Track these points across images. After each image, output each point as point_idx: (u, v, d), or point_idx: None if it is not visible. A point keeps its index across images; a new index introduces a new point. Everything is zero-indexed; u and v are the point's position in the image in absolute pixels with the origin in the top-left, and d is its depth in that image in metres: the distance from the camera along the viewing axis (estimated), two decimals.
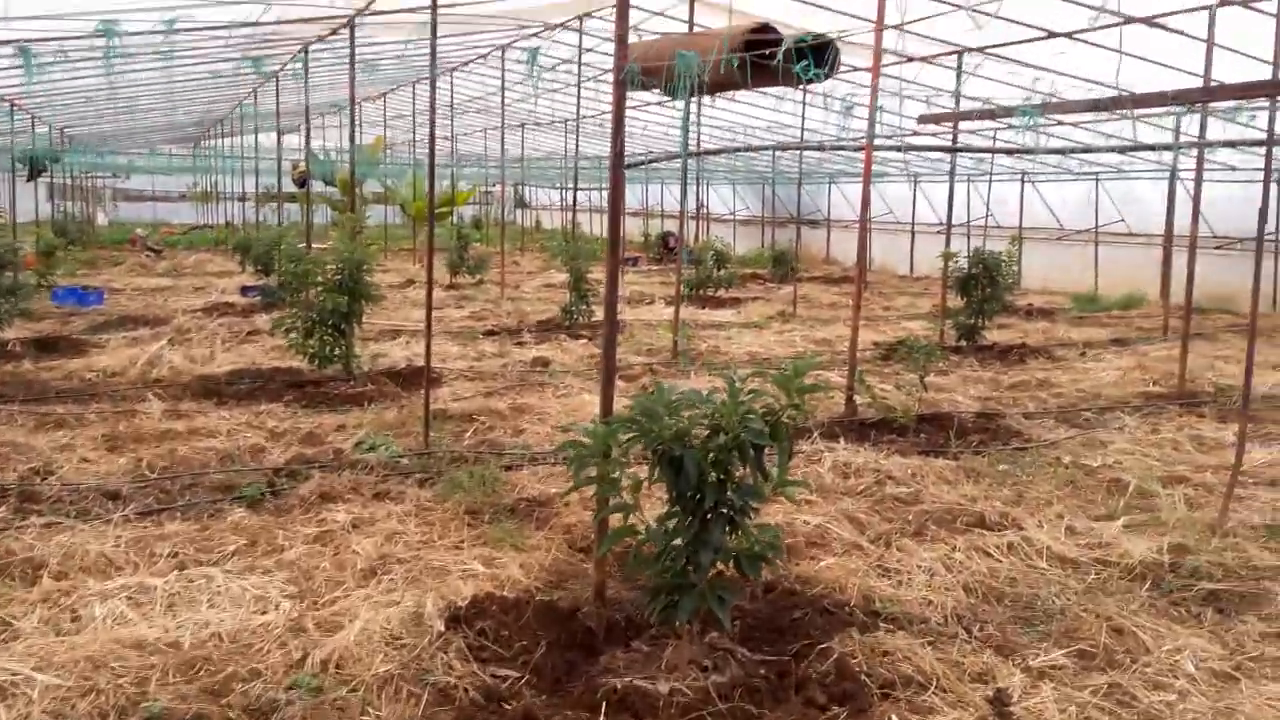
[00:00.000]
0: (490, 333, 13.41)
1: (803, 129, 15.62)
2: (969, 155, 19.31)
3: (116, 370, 10.30)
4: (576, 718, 3.82)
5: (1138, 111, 13.05)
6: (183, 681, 4.04)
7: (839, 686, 4.05)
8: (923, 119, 8.64)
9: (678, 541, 4.22)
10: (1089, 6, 9.87)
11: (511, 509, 6.18)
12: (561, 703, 3.94)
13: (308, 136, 15.25)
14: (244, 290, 16.96)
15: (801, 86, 11.05)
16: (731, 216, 31.38)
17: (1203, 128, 10.43)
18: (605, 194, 33.44)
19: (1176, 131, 13.77)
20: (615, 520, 4.33)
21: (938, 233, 21.11)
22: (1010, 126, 15.38)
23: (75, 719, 3.74)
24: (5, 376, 9.94)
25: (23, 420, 8.16)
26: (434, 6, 7.66)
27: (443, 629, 4.41)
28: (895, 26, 10.12)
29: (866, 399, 8.79)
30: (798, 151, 21.02)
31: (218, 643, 4.37)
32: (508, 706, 3.90)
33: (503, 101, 17.21)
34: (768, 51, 6.44)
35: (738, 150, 7.14)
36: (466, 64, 17.18)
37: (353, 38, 11.04)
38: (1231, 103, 9.71)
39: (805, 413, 4.39)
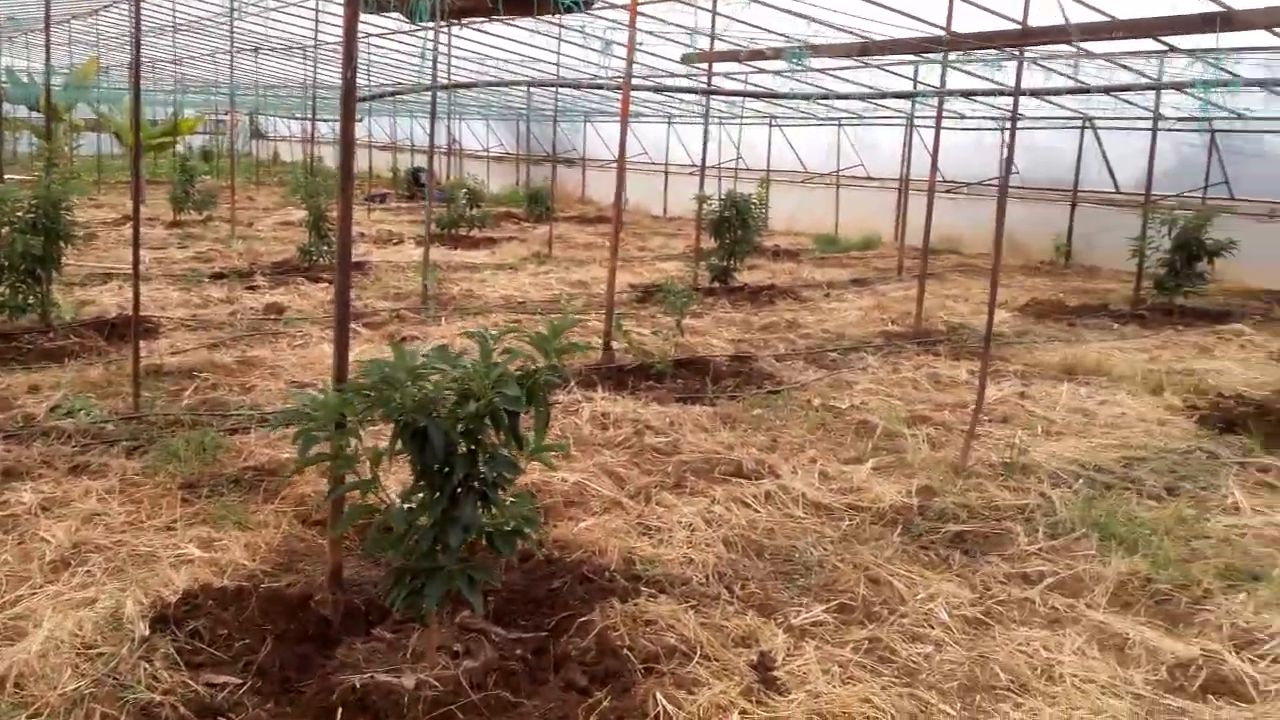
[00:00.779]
0: (218, 276, 12.29)
1: (559, 65, 15.18)
2: (722, 99, 19.46)
3: None
4: None
5: (882, 59, 13.44)
6: None
7: (600, 664, 3.80)
8: (686, 59, 8.41)
9: (424, 520, 3.81)
10: None
11: (236, 480, 5.55)
12: (291, 710, 3.48)
13: None
14: None
15: (558, 18, 10.61)
16: (485, 153, 30.56)
17: (943, 77, 10.81)
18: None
19: (915, 80, 14.34)
20: (354, 496, 3.86)
21: (690, 174, 21.27)
22: (763, 71, 15.55)
23: None
24: None
25: None
26: None
27: (147, 632, 3.81)
28: None
29: (624, 344, 8.59)
30: (553, 88, 20.55)
31: None
32: None
33: (231, 22, 15.73)
34: None
35: (491, 85, 6.66)
36: None
37: None
38: (972, 53, 10.09)
39: (564, 375, 4.06)
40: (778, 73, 15.99)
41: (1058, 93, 12.09)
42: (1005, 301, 12.16)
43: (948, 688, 3.72)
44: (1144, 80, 12.48)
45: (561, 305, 11.29)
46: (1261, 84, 11.88)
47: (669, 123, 23.65)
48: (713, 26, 11.64)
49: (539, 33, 14.52)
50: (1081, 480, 5.85)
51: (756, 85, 17.16)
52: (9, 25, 20.21)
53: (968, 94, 12.67)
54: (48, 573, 4.39)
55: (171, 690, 3.47)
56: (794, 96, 13.72)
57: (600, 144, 26.16)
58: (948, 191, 17.67)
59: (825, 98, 14.32)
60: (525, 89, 20.95)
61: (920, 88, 13.65)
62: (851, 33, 10.66)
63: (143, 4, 7.49)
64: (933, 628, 4.15)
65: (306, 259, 12.93)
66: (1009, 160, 6.29)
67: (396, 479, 5.07)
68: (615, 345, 8.62)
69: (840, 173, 20.82)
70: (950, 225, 17.22)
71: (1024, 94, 7.36)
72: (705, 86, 13.41)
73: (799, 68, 14.27)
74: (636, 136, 23.66)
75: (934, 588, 4.49)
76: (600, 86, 14.18)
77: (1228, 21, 7.57)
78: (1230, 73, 11.90)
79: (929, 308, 11.15)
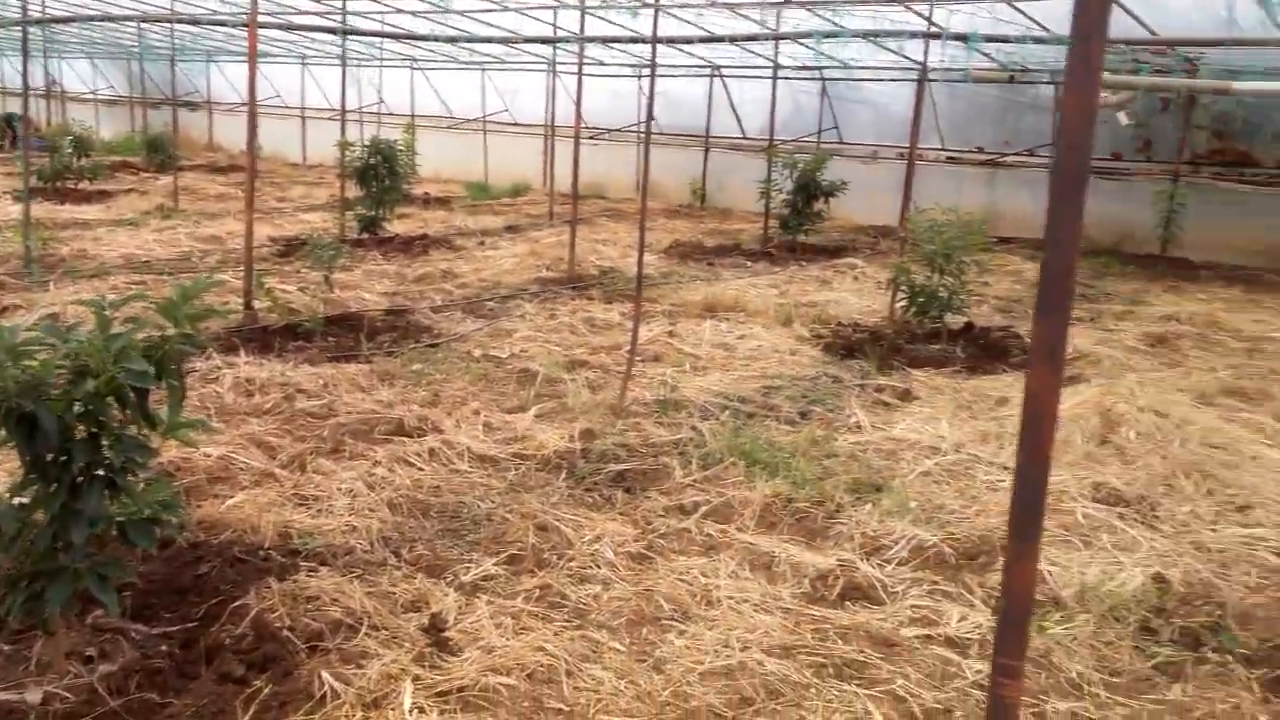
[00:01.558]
0: None
1: None
2: (360, 41, 18.64)
3: None
4: None
5: (521, 3, 13.40)
6: None
7: (258, 650, 3.56)
8: None
9: (40, 516, 3.37)
10: None
11: None
12: None
13: None
14: None
15: None
16: (93, 96, 27.50)
17: (582, 23, 10.93)
18: None
19: (554, 25, 14.45)
20: None
21: (331, 119, 20.30)
22: (401, 11, 15.03)
23: None
24: None
25: None
26: None
27: None
28: None
29: (268, 303, 8.08)
30: (170, 25, 18.73)
31: None
32: None
33: None
34: None
35: (96, 20, 5.90)
36: None
37: None
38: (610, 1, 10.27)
39: (200, 343, 3.71)
40: (415, 13, 15.53)
41: (690, 41, 12.63)
42: (650, 245, 12.67)
43: (616, 624, 3.84)
44: (766, 30, 13.33)
45: (193, 264, 10.43)
46: (866, 35, 13.05)
47: (303, 64, 22.38)
48: None
49: None
50: (727, 411, 6.22)
51: (395, 26, 16.59)
52: None
53: (606, 40, 12.97)
54: None
55: None
56: (433, 39, 13.39)
57: (226, 86, 24.34)
58: (591, 138, 18.07)
59: (467, 41, 14.11)
60: (136, 25, 18.99)
61: (560, 33, 13.79)
62: None
63: None
64: (600, 568, 4.26)
65: None
66: (650, 106, 6.49)
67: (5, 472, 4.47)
68: (258, 305, 8.08)
69: (487, 118, 20.69)
70: (596, 171, 17.65)
71: (661, 42, 7.62)
72: (340, 26, 12.77)
73: (437, 8, 13.94)
74: (268, 78, 22.22)
75: (599, 528, 4.61)
76: (222, 23, 13.13)
77: None
78: (839, 25, 12.97)
79: (580, 252, 11.39)
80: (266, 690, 3.32)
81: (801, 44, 13.68)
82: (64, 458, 3.34)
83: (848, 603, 4.02)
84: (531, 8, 14.30)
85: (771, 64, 14.49)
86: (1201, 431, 5.78)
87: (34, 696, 3.25)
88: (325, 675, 3.38)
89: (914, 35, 11.05)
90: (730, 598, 3.99)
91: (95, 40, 23.58)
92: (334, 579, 4.03)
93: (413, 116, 20.82)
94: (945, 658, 3.65)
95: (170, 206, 14.41)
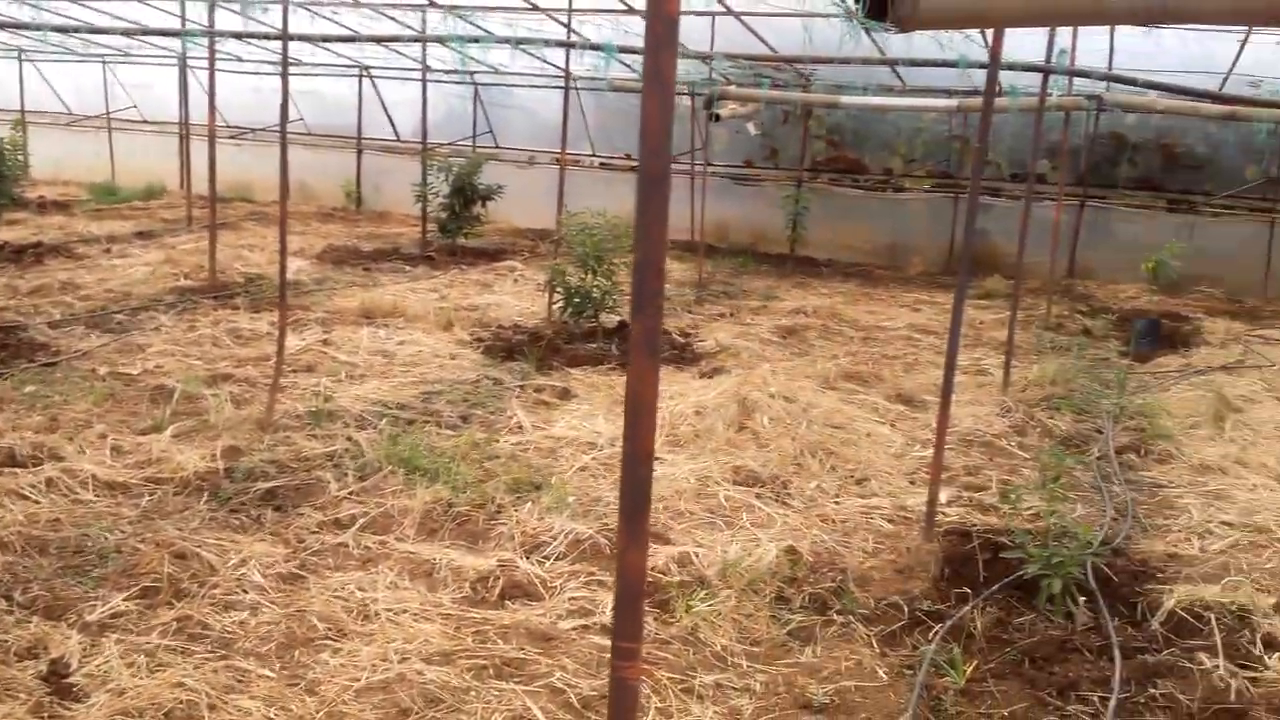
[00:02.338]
0: None
1: None
2: None
3: None
4: None
5: None
6: None
7: None
8: None
9: None
10: None
11: None
12: None
13: None
14: None
15: None
16: None
17: (211, 16, 10.28)
18: None
19: (182, 18, 13.48)
20: None
21: None
22: None
23: None
24: None
25: None
26: None
27: None
28: None
29: None
30: None
31: None
32: None
33: None
34: None
35: None
36: None
37: None
38: None
39: None
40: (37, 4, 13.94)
41: (329, 40, 12.20)
42: (302, 249, 12.15)
43: (265, 650, 3.64)
44: (410, 32, 13.16)
45: None
46: (507, 41, 13.22)
47: None
48: None
49: None
50: (385, 419, 6.08)
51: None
52: None
53: (238, 35, 12.26)
54: None
55: None
56: (40, 28, 12.07)
57: None
58: (232, 138, 17.06)
59: (83, 31, 12.84)
60: None
61: (191, 26, 12.87)
62: None
63: None
64: (247, 593, 4.03)
65: None
66: (285, 105, 6.20)
67: None
68: None
69: (111, 115, 18.95)
70: (239, 172, 16.66)
71: (294, 39, 7.29)
72: None
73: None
74: None
75: (246, 551, 4.35)
76: None
77: None
78: (484, 29, 13.04)
79: (224, 259, 10.70)
80: None
81: (449, 47, 13.66)
82: None
83: (508, 602, 4.06)
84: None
85: (421, 66, 14.34)
86: (825, 413, 6.36)
87: None
88: None
89: (554, 44, 11.33)
90: (389, 610, 3.91)
91: None
92: None
93: (23, 112, 18.68)
94: (601, 645, 3.77)
95: None
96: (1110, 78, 9.42)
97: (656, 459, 5.63)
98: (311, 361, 7.40)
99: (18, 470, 5.12)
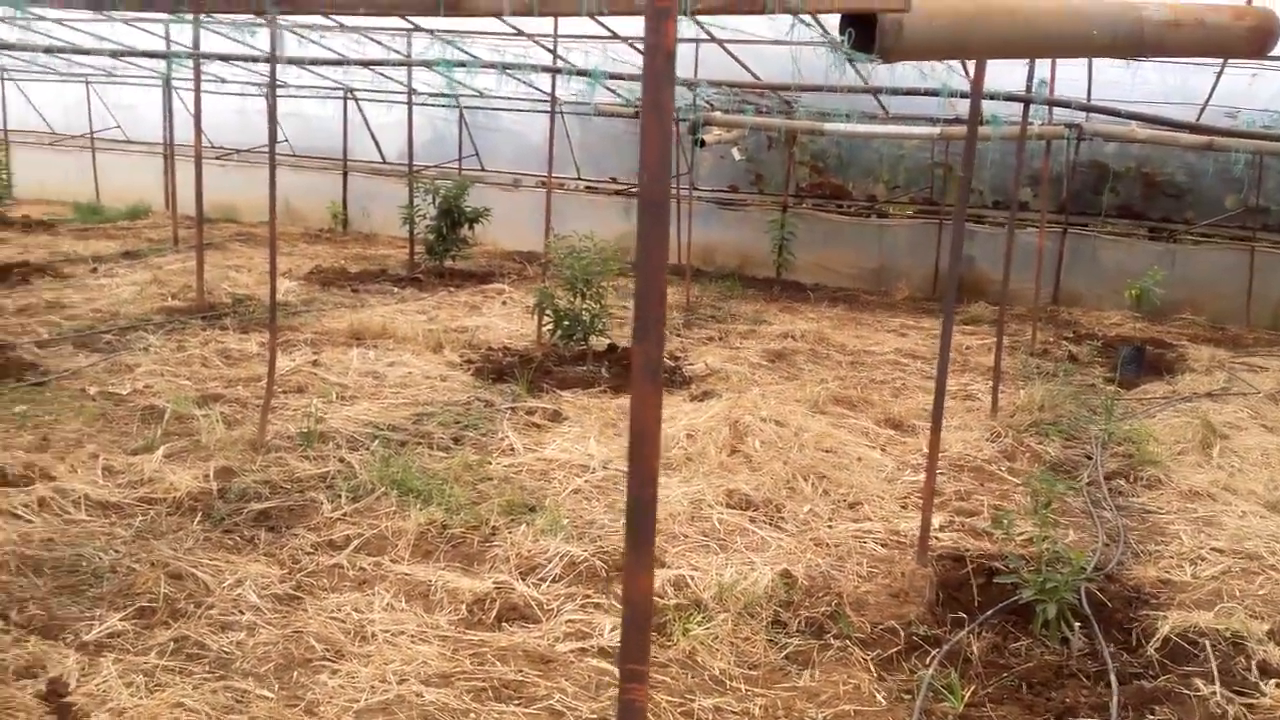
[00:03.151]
0: None
1: None
2: None
3: None
4: None
5: (130, 15, 12.39)
6: None
7: None
8: None
9: None
10: None
11: None
12: None
13: None
14: None
15: None
16: None
17: (196, 38, 10.27)
18: None
19: (167, 40, 13.49)
20: None
21: None
22: None
23: None
24: None
25: None
26: None
27: None
28: None
29: None
30: None
31: None
32: None
33: None
34: None
35: None
36: None
37: None
38: (227, 16, 9.71)
39: None
40: (2, 19, 13.92)
41: (317, 63, 12.23)
42: (290, 270, 12.13)
43: (264, 671, 3.63)
44: (397, 56, 13.22)
45: None
46: (494, 66, 13.30)
47: None
48: None
49: None
50: (377, 441, 6.08)
51: None
52: None
53: (224, 58, 12.28)
54: None
55: None
56: (26, 49, 12.08)
57: None
58: (218, 159, 17.05)
59: (69, 52, 12.82)
60: None
61: (175, 48, 12.89)
62: None
63: None
64: (244, 613, 4.01)
65: None
66: (273, 127, 6.23)
67: None
68: None
69: (95, 135, 18.91)
70: (225, 193, 16.65)
71: (281, 61, 7.32)
72: None
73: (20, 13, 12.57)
74: None
75: (241, 571, 4.34)
76: None
77: (453, 6, 8.21)
78: (469, 54, 13.11)
79: (212, 279, 10.68)
80: None
81: (435, 71, 13.69)
82: None
83: (505, 624, 4.06)
84: (142, 20, 13.27)
85: (406, 89, 14.39)
86: (815, 437, 6.40)
87: None
88: None
89: (540, 69, 11.41)
90: (386, 631, 3.90)
91: None
92: None
93: (5, 131, 18.64)
94: (599, 668, 3.78)
95: None
96: (1089, 108, 9.55)
97: None
98: (302, 382, 7.39)
99: (9, 489, 5.09)
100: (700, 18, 10.28)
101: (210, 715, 3.32)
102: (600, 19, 10.98)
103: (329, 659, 3.72)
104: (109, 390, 6.94)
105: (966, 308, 11.65)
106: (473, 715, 3.44)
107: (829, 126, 12.05)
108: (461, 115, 16.50)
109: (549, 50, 12.01)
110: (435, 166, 15.91)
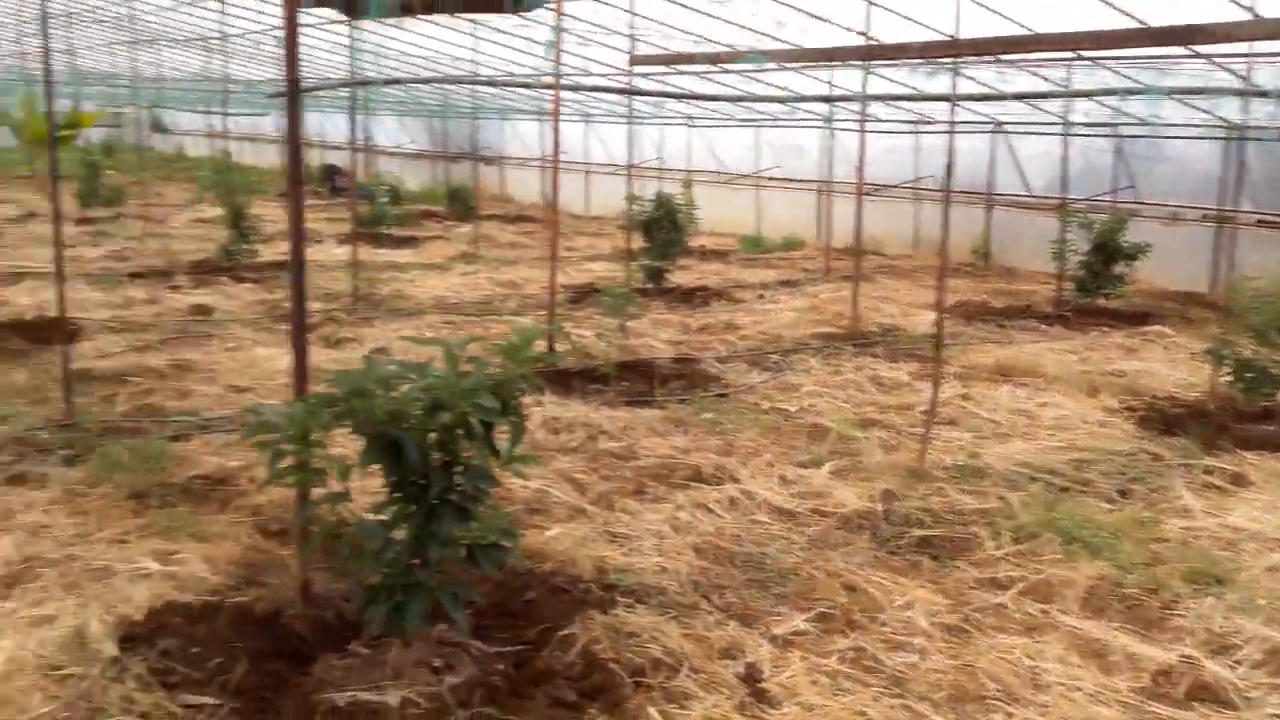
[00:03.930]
0: (136, 275, 11.81)
1: (475, 62, 14.96)
2: (645, 101, 19.43)
3: None
4: None
5: (803, 65, 13.56)
6: None
7: (588, 679, 3.72)
8: (636, 60, 8.34)
9: (400, 534, 3.68)
10: None
11: (185, 489, 5.31)
12: None
13: None
14: None
15: (521, 14, 10.47)
16: (398, 150, 30.02)
17: (864, 83, 10.96)
18: (260, 121, 30.86)
19: (830, 84, 14.51)
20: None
21: (611, 174, 21.24)
22: (684, 73, 15.55)
23: None
24: None
25: None
26: None
27: (116, 653, 3.61)
28: None
29: (566, 347, 8.49)
30: (473, 86, 20.26)
31: None
32: None
33: (131, 11, 15.17)
34: None
35: (406, 81, 6.49)
36: None
37: None
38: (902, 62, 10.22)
39: (537, 385, 3.96)
40: (700, 74, 16.01)
41: (983, 99, 12.33)
42: (933, 303, 12.36)
43: (938, 698, 3.72)
44: (1059, 88, 12.83)
45: (495, 306, 11.13)
46: (1175, 93, 12.31)
47: (587, 121, 23.54)
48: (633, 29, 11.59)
49: (455, 29, 14.33)
50: (1036, 483, 5.94)
51: (677, 86, 17.17)
52: None
53: (891, 99, 12.87)
54: (0, 589, 4.13)
55: (148, 713, 3.30)
56: (719, 99, 13.76)
57: (518, 142, 25.92)
58: (869, 194, 17.94)
59: (749, 100, 14.38)
60: (443, 86, 20.65)
61: (838, 91, 13.81)
62: (774, 37, 10.74)
63: None
64: (914, 636, 4.16)
65: (228, 257, 12.51)
66: (950, 165, 6.37)
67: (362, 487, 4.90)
68: (557, 348, 8.52)
69: (760, 174, 20.98)
70: (870, 227, 17.44)
71: (957, 99, 7.49)
72: (627, 86, 13.37)
73: (754, 67, 14.32)
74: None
75: (909, 594, 4.50)
76: (524, 85, 14.03)
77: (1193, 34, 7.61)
78: (1137, 81, 12.29)
79: (860, 309, 11.27)
80: (599, 719, 3.44)
81: (1096, 100, 13.04)
82: (423, 481, 3.65)
83: (1195, 703, 3.72)
84: (809, 67, 14.41)
85: (1061, 120, 13.90)
86: None
87: (393, 699, 3.51)
88: (653, 712, 3.48)
89: (1232, 93, 10.32)
90: (1060, 684, 3.79)
91: (403, 100, 25.77)
92: (651, 617, 4.14)
93: (689, 172, 21.41)
94: None
95: (471, 253, 15.45)
96: None
97: None
98: (952, 415, 7.48)
99: (703, 486, 5.83)
100: None
101: None
102: None
103: (1002, 699, 3.71)
104: (778, 406, 7.63)
105: None
106: None
107: None
108: (1119, 144, 15.56)
109: (1236, 74, 10.88)
110: (1085, 199, 15.18)
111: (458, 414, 3.60)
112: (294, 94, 4.03)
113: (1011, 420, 7.32)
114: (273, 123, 30.60)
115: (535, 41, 14.20)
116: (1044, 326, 11.14)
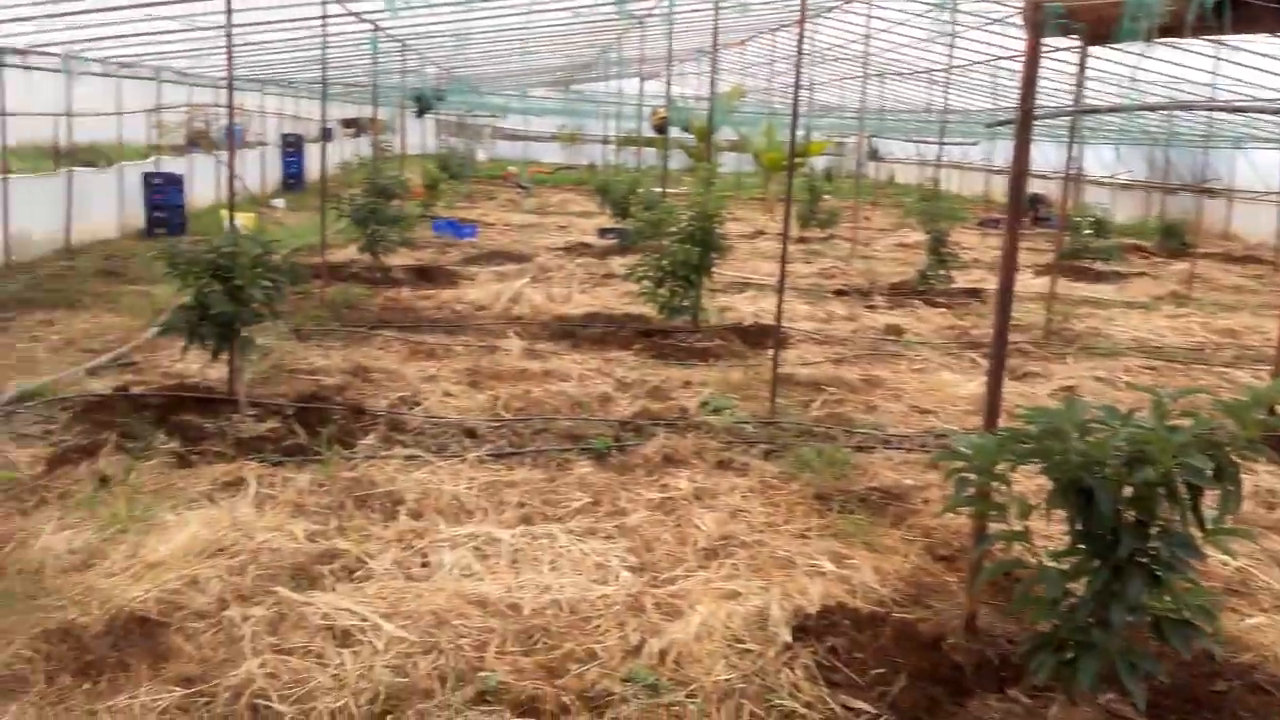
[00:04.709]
0: (839, 292, 12.77)
1: (1213, 86, 13.57)
2: None
3: (483, 304, 10.72)
4: None
5: None
6: (520, 653, 3.88)
7: None
8: None
9: (1078, 587, 3.50)
10: None
11: (863, 498, 5.63)
12: None
13: (669, 82, 15.10)
14: (601, 233, 17.32)
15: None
16: (1108, 180, 28.48)
17: None
18: (968, 150, 31.45)
19: None
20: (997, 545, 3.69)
21: None
22: None
23: (415, 678, 3.66)
24: (388, 303, 10.63)
25: (398, 347, 8.61)
26: None
27: (789, 640, 3.97)
28: None
29: None
30: (1202, 112, 18.45)
31: (556, 612, 4.19)
32: None
33: (866, 49, 16.31)
34: None
35: (1131, 109, 6.04)
36: (830, 10, 16.46)
37: None
38: None
39: (1257, 448, 3.49)
40: None
41: None
42: None
43: None
44: None
45: (1207, 355, 10.05)
46: None
47: None
48: None
49: (1191, 50, 13.12)
50: None
51: None
52: (689, 54, 22.81)
53: None
54: (700, 558, 4.78)
55: (812, 705, 3.56)
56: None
57: (1252, 173, 23.06)
58: None
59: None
60: (1171, 112, 19.12)
61: None
62: None
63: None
64: None
65: (924, 282, 12.96)
66: None
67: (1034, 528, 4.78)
68: None
69: None
70: None
71: None
72: None
73: None
74: None
75: None
76: (1264, 110, 12.45)
77: None
78: None
79: None
80: None
81: None
82: (1111, 537, 3.43)
83: None
84: None
85: None
86: None
87: None
88: None
89: None
90: None
91: (1124, 128, 24.32)
92: None
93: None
94: None
95: (1183, 293, 14.12)
96: None
97: None
98: None
99: None
100: None
101: None
102: None
103: None
104: None
105: None
106: None
107: None
108: None
109: None
110: None
111: (1161, 471, 3.33)
112: (1025, 122, 4.04)
113: None
114: (980, 152, 31.01)
115: None
116: None
